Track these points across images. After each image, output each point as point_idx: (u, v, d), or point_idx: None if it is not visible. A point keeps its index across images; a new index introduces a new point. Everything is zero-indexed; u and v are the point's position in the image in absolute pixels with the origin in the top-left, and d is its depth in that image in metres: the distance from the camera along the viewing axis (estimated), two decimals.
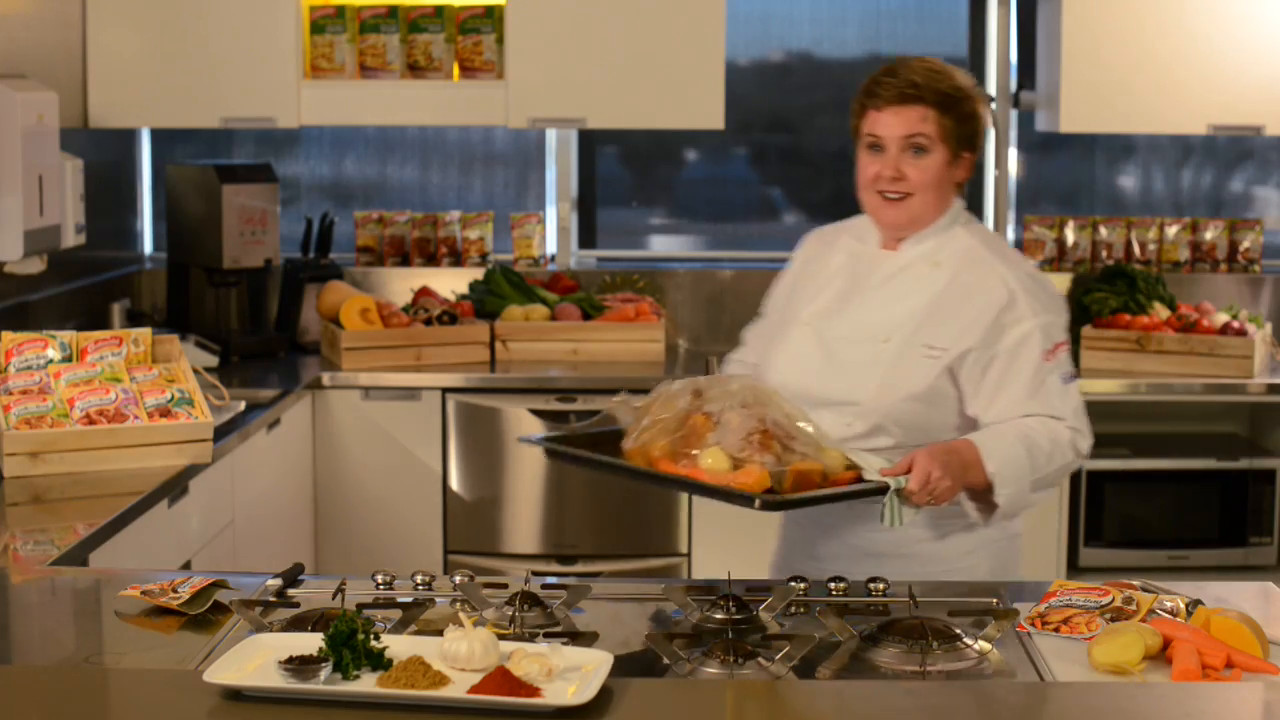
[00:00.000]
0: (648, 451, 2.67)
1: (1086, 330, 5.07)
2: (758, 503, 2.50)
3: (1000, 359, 2.81)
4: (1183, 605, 2.39)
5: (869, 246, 2.98)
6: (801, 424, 2.62)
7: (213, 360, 4.93)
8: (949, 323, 2.83)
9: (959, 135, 2.86)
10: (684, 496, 4.71)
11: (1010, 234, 5.63)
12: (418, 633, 2.29)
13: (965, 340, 2.81)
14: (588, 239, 5.81)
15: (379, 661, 2.07)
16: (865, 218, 3.00)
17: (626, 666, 2.13)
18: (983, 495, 2.76)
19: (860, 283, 2.94)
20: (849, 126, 2.95)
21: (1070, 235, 5.52)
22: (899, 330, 2.85)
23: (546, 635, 2.27)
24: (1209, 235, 5.51)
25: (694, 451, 2.62)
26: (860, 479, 2.63)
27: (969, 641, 2.28)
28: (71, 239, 4.50)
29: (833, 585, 2.51)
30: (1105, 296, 5.24)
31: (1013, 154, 5.60)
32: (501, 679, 2.01)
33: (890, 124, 2.84)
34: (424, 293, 5.30)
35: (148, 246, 5.70)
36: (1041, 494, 2.80)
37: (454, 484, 4.89)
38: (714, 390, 2.68)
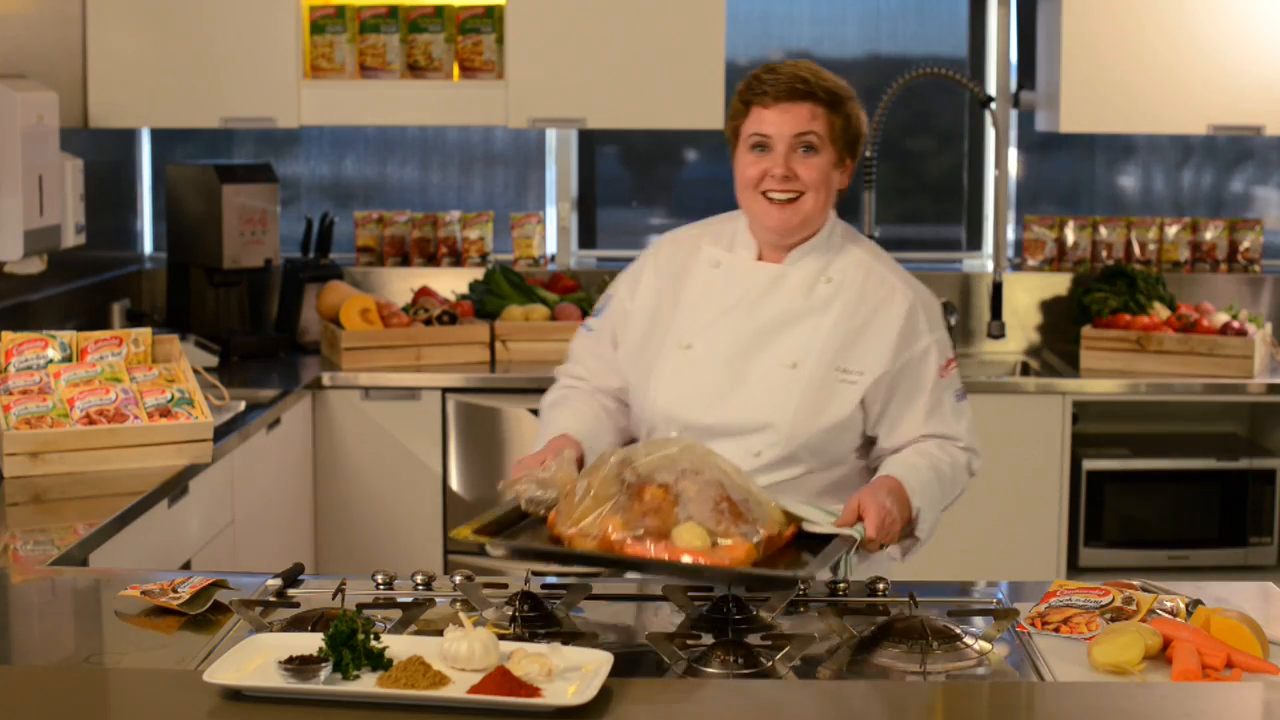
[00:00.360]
0: (601, 534, 2.38)
1: (1086, 330, 5.07)
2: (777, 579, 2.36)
3: (904, 379, 2.74)
4: (1183, 605, 2.39)
5: (743, 257, 2.82)
6: (743, 483, 2.45)
7: (213, 360, 4.93)
8: (860, 345, 2.74)
9: (845, 138, 2.75)
10: None
11: (1010, 234, 5.62)
12: (418, 633, 2.29)
13: (879, 364, 2.72)
14: (588, 239, 5.80)
15: (379, 661, 2.07)
16: (728, 221, 2.87)
17: (626, 666, 2.13)
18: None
19: (744, 299, 2.78)
20: (725, 129, 2.81)
21: (1070, 235, 5.52)
22: (807, 354, 2.73)
23: (546, 635, 2.27)
24: (1209, 235, 5.51)
25: (665, 529, 2.37)
26: (802, 530, 2.50)
27: (969, 641, 2.28)
28: (71, 239, 4.50)
29: (832, 585, 2.52)
30: (1105, 296, 5.24)
31: (1013, 154, 5.60)
32: (501, 679, 2.01)
33: (779, 122, 2.71)
34: (424, 293, 5.30)
35: (148, 246, 5.70)
36: (941, 518, 2.75)
37: (454, 484, 4.88)
38: (653, 456, 2.43)
